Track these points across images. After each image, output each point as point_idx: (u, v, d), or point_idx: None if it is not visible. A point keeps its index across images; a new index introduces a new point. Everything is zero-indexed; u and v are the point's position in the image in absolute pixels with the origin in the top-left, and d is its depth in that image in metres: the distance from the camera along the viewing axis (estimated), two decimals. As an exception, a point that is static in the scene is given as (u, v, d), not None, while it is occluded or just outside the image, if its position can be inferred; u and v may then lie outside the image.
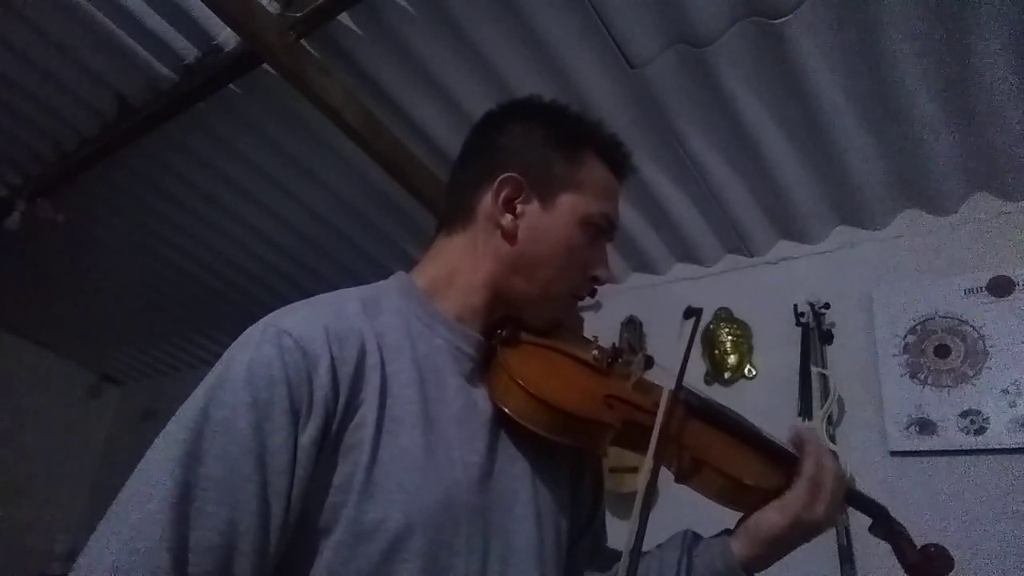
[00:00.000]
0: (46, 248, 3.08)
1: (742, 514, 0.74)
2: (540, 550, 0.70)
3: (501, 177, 0.75)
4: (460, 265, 0.76)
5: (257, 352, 0.60)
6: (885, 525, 0.80)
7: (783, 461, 0.74)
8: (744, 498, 0.72)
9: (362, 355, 0.64)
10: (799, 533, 0.70)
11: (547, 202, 0.76)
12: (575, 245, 0.76)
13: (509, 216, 0.75)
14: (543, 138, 0.77)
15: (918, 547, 0.77)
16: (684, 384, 0.74)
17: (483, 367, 0.74)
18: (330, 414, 0.60)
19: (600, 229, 0.78)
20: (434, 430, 0.65)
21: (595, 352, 0.78)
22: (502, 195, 0.75)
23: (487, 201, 0.76)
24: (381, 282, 0.77)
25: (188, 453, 0.55)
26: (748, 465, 0.73)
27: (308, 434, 0.58)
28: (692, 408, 0.76)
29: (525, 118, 0.80)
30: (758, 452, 0.76)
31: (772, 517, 0.70)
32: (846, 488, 0.75)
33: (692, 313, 0.79)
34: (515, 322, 0.77)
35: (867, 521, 0.82)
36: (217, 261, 2.99)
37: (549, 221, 0.75)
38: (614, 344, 0.82)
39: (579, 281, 0.78)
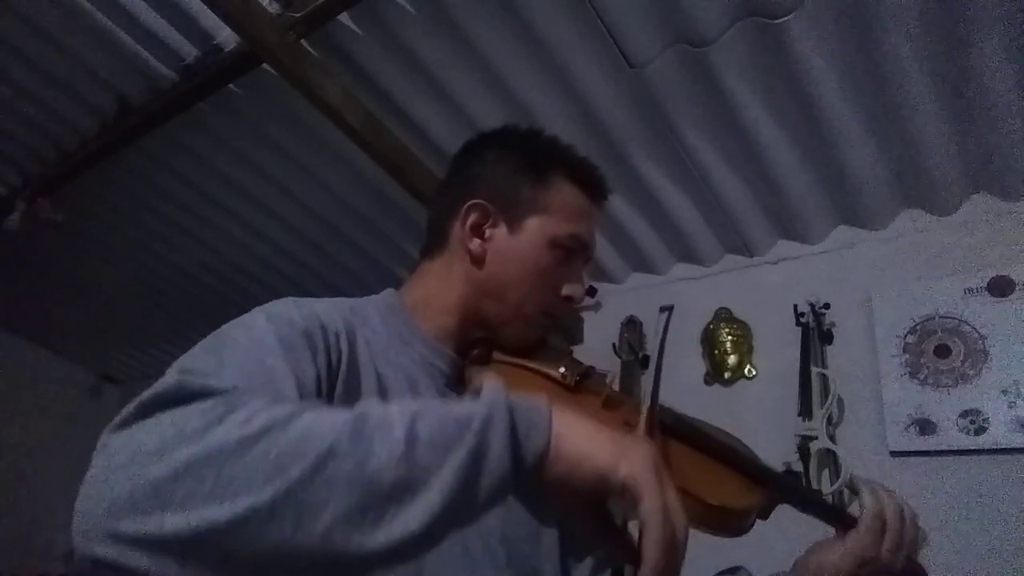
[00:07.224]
0: (46, 248, 3.07)
1: (726, 537, 0.67)
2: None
3: (468, 204, 0.78)
4: (436, 289, 0.79)
5: (272, 306, 0.64)
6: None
7: (761, 479, 0.71)
8: (712, 520, 0.66)
9: (355, 348, 0.66)
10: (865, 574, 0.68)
11: (514, 226, 0.78)
12: (543, 267, 0.77)
13: (477, 241, 0.78)
14: (511, 164, 0.80)
15: None
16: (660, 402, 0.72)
17: (456, 387, 0.75)
18: (333, 373, 0.62)
19: (569, 250, 0.79)
20: None
21: (562, 370, 0.78)
22: (469, 221, 0.78)
23: (457, 227, 0.79)
24: (371, 296, 0.79)
25: (269, 318, 0.61)
26: (715, 484, 0.68)
27: (318, 367, 0.61)
28: (664, 425, 0.72)
29: (497, 145, 0.83)
30: (732, 469, 0.72)
31: (832, 559, 0.68)
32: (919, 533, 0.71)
33: (665, 309, 0.79)
34: (489, 343, 0.78)
35: None
36: (217, 261, 2.98)
37: (516, 244, 0.77)
38: (586, 365, 0.81)
39: (551, 301, 0.79)
